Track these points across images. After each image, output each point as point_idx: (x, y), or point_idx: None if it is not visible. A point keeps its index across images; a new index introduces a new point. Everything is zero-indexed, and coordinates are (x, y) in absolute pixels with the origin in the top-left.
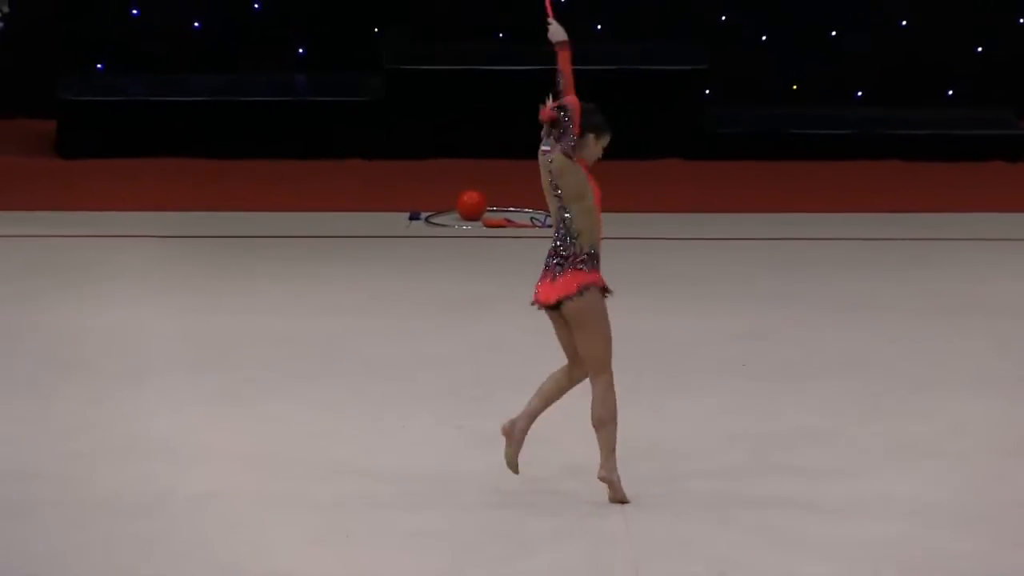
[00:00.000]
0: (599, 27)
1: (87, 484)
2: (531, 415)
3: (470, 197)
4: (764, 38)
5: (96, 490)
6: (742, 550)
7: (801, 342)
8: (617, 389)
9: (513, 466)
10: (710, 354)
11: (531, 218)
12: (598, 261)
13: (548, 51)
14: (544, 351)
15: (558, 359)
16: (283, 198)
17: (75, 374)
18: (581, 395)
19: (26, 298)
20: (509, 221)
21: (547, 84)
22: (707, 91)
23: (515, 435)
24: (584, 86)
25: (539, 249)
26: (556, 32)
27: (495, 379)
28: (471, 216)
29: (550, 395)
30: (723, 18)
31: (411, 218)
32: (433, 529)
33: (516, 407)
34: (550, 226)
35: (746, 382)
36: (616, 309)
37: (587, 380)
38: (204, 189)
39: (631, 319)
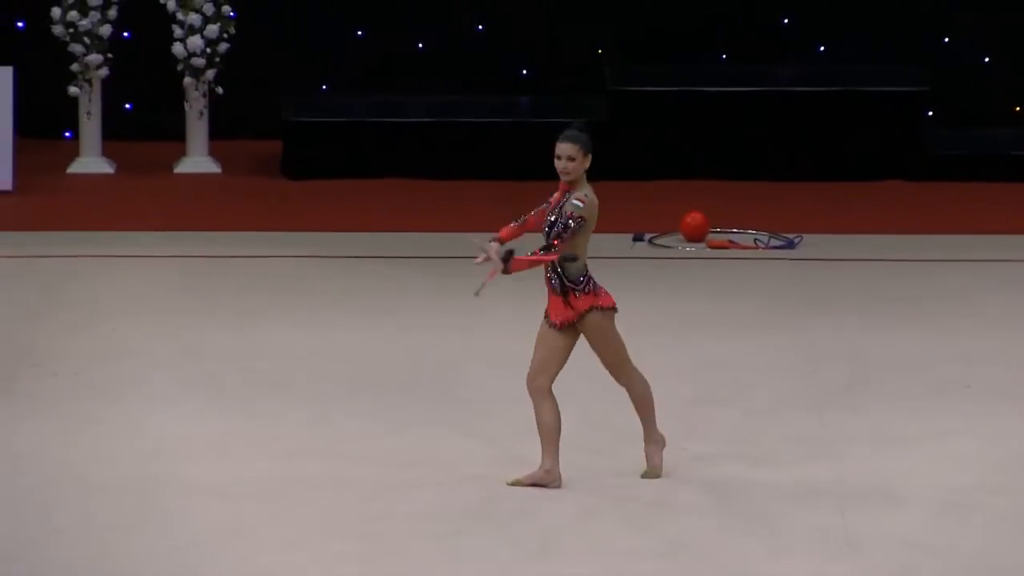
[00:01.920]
0: (821, 48)
1: (305, 502)
2: (648, 428)
3: (694, 218)
4: (986, 59)
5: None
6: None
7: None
8: (838, 411)
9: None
10: (931, 375)
11: (755, 239)
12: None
13: (770, 72)
14: (763, 372)
15: (770, 381)
16: (503, 219)
17: (291, 394)
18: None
19: (246, 317)
20: (733, 242)
21: (770, 104)
22: (929, 112)
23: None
24: (807, 107)
25: (763, 271)
26: (496, 256)
27: (715, 400)
28: (695, 237)
29: (642, 404)
30: (945, 40)
31: (635, 239)
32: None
33: (736, 428)
34: (774, 247)
35: (971, 404)
36: (832, 330)
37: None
38: (426, 210)
39: (849, 341)
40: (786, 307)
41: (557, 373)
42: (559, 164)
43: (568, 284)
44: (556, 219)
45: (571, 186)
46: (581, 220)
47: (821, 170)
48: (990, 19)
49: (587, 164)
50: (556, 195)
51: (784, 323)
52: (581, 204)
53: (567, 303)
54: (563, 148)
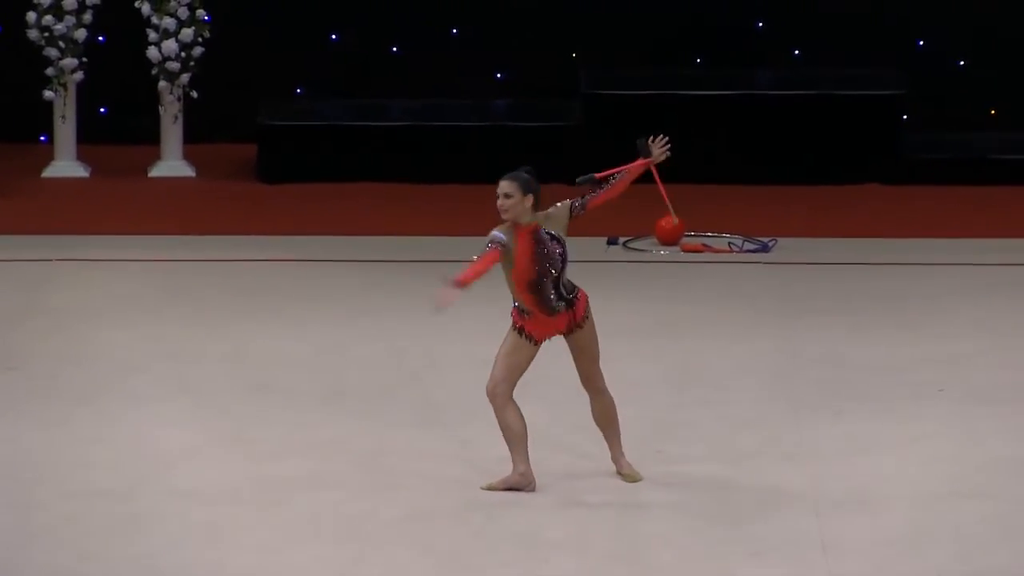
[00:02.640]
0: (797, 52)
1: (284, 505)
2: (614, 446)
3: (668, 222)
4: (962, 63)
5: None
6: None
7: (1000, 367)
8: (814, 414)
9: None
10: (907, 379)
11: (729, 243)
12: (523, 311)
13: (745, 76)
14: (738, 377)
15: (747, 384)
16: (481, 222)
17: (272, 398)
18: None
19: (223, 320)
20: (707, 246)
21: (746, 108)
22: (905, 116)
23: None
24: (783, 111)
25: (738, 274)
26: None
27: (693, 404)
28: (669, 241)
29: (612, 414)
30: (921, 43)
31: (609, 243)
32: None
33: (712, 431)
34: (748, 250)
35: (947, 407)
36: (810, 333)
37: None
38: (401, 213)
39: (828, 344)
40: (762, 311)
41: (516, 382)
42: (498, 202)
43: (571, 296)
44: (562, 250)
45: (532, 223)
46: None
47: (798, 174)
48: (966, 23)
49: (526, 204)
50: (521, 243)
51: (760, 327)
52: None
53: (572, 311)
54: (502, 185)
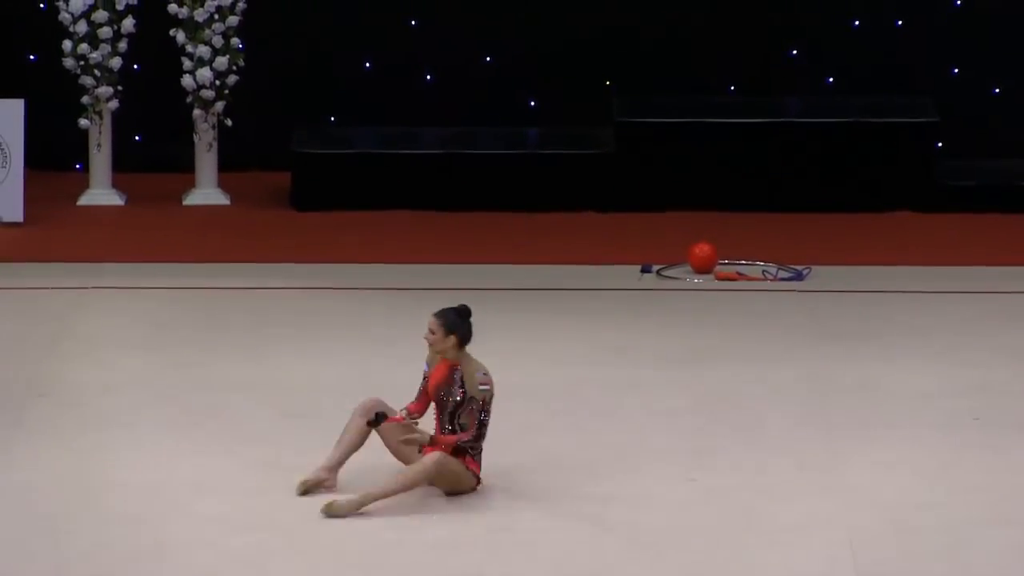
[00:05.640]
0: (830, 80)
1: (315, 534)
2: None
3: (702, 250)
4: (996, 90)
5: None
6: None
7: None
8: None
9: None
10: (940, 405)
11: (763, 271)
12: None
13: (778, 104)
14: (771, 404)
15: (780, 411)
16: (513, 251)
17: (306, 425)
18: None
19: (255, 348)
20: (741, 274)
21: (779, 136)
22: (939, 143)
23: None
24: (816, 139)
25: (772, 302)
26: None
27: (726, 431)
28: (703, 269)
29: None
30: (955, 71)
31: (643, 271)
32: None
33: (744, 458)
34: (783, 278)
35: (981, 435)
36: (843, 360)
37: None
38: (434, 241)
39: (861, 371)
40: (795, 339)
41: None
42: (425, 335)
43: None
44: (463, 400)
45: (455, 360)
46: (489, 402)
47: (831, 202)
48: (999, 49)
49: (447, 344)
50: (439, 366)
51: (794, 354)
52: (487, 388)
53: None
54: (430, 320)
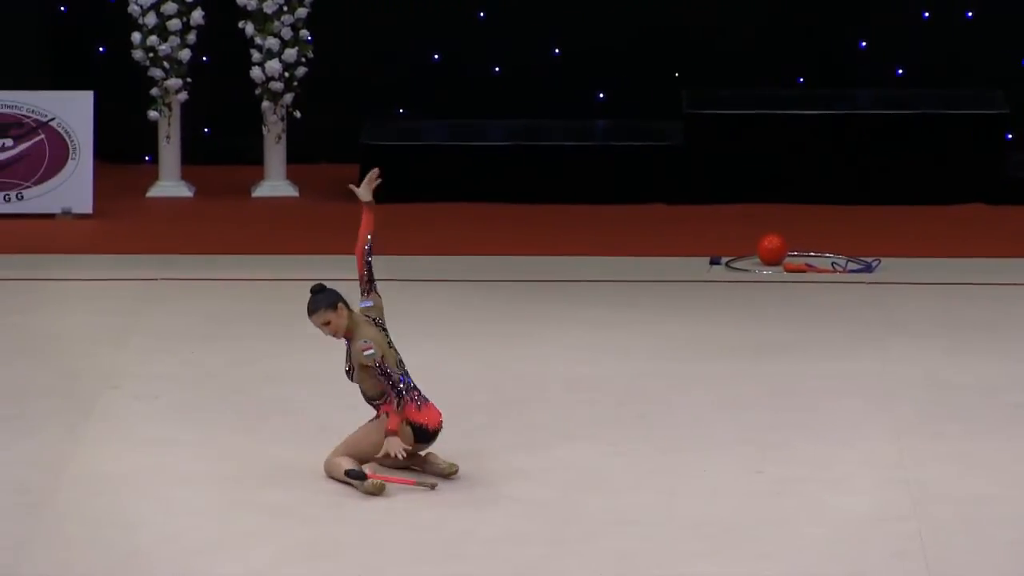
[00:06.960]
0: (900, 72)
1: (388, 523)
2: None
3: (771, 242)
4: None
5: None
6: None
7: None
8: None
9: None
10: (1009, 399)
11: (832, 263)
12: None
13: (847, 96)
14: (838, 397)
15: (847, 404)
16: (580, 243)
17: (370, 417)
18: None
19: (324, 341)
20: (810, 266)
21: (848, 127)
22: (1009, 135)
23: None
24: (886, 130)
25: (841, 294)
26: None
27: (793, 424)
28: (772, 261)
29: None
30: (1023, 62)
31: (712, 263)
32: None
33: (814, 453)
34: (852, 271)
35: None
36: (911, 353)
37: None
38: (500, 233)
39: (928, 364)
40: (864, 331)
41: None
42: (327, 334)
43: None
44: (351, 370)
45: (349, 331)
46: (382, 359)
47: (900, 194)
48: None
49: (343, 315)
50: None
51: (862, 347)
52: (372, 351)
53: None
54: (313, 321)
